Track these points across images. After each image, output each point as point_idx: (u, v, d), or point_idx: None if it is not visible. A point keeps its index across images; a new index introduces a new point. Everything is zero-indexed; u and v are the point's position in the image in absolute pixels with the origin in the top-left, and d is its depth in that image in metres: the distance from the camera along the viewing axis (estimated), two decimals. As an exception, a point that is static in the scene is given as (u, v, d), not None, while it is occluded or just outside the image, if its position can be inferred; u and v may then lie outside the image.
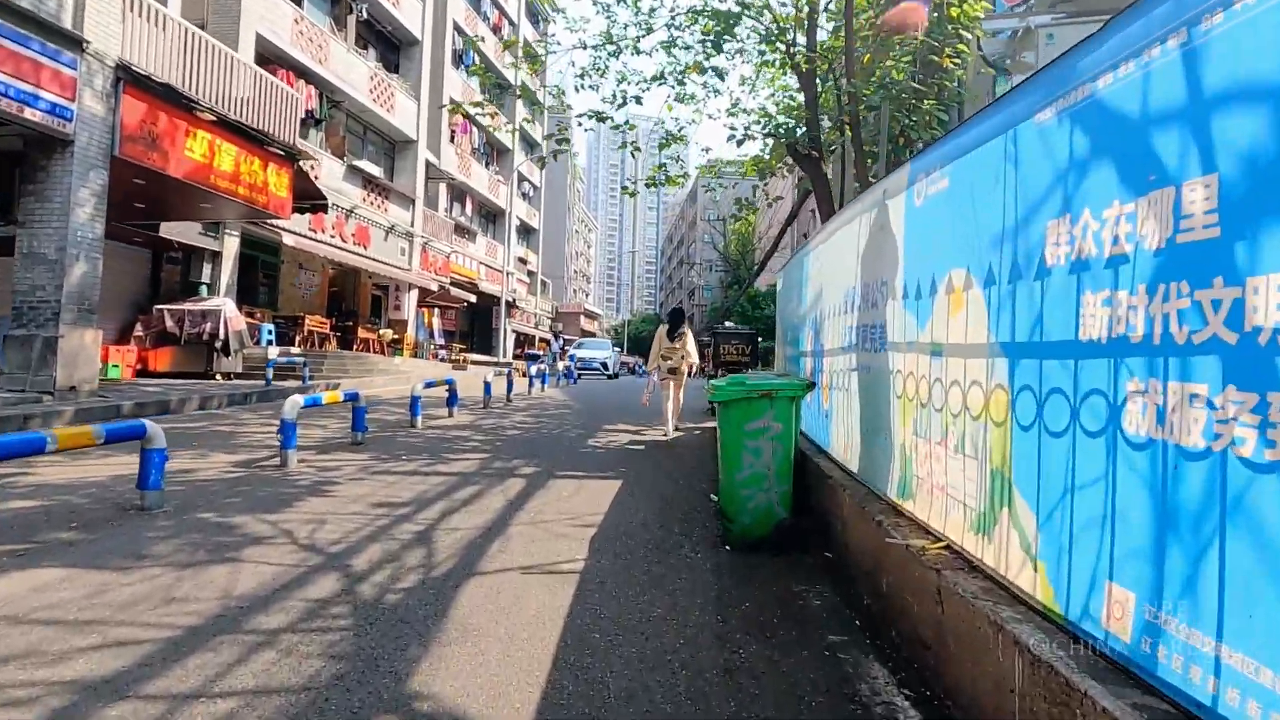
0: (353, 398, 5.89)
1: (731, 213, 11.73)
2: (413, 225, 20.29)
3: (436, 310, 25.00)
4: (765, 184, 10.93)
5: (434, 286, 19.34)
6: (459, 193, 28.55)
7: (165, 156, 8.31)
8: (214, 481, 4.50)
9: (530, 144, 43.09)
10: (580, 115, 9.22)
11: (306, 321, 15.62)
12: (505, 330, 32.55)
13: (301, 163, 10.81)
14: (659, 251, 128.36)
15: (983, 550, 2.11)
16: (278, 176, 10.16)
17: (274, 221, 13.80)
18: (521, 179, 40.63)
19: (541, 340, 46.47)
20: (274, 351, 13.92)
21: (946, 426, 2.41)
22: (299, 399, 5.02)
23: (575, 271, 78.84)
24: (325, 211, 12.72)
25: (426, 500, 4.23)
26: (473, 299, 22.77)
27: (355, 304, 20.38)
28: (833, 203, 7.84)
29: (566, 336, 52.21)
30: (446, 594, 2.73)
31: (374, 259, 18.22)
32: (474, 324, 32.75)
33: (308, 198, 11.46)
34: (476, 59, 22.52)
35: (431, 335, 24.54)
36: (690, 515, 4.19)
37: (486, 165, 31.59)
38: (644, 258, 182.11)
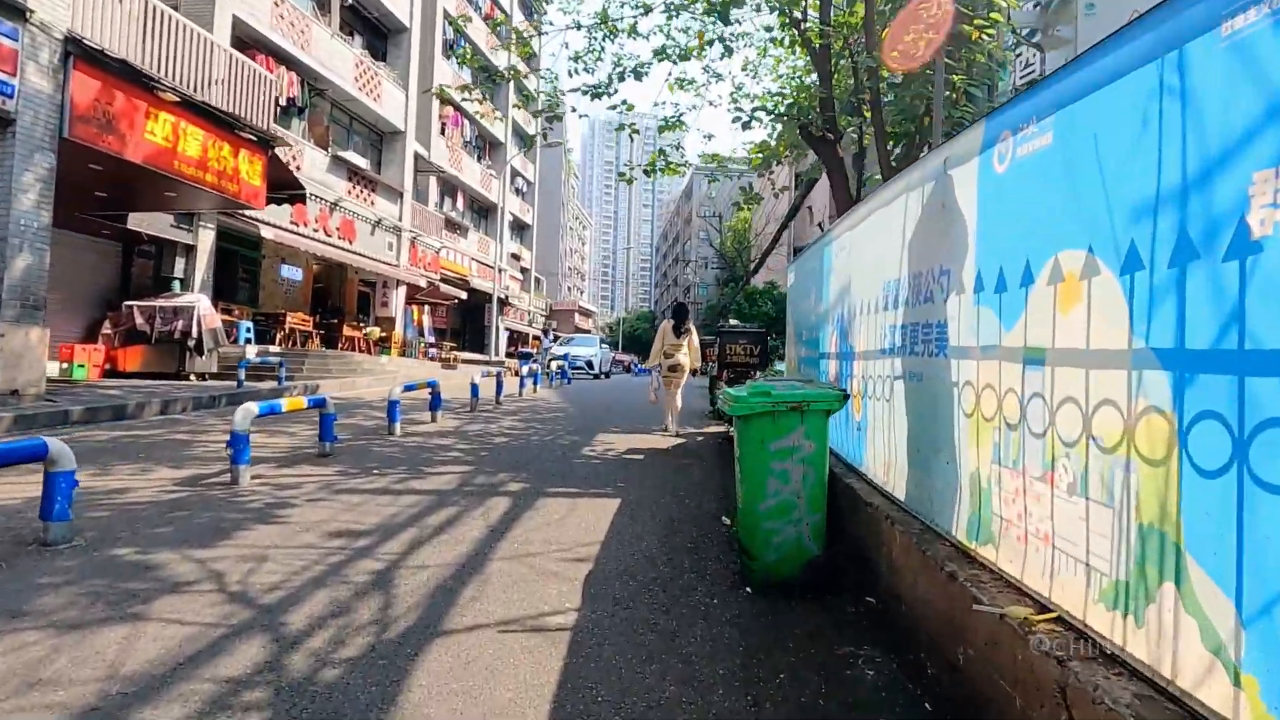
0: (319, 404, 5.28)
1: (734, 200, 10.89)
2: (401, 219, 19.62)
3: (426, 308, 24.33)
4: (771, 174, 10.34)
5: (423, 283, 18.70)
6: (450, 187, 27.87)
7: (122, 139, 7.65)
8: (147, 505, 3.89)
9: (523, 138, 42.36)
10: (574, 89, 8.59)
11: (288, 319, 14.95)
12: (498, 328, 31.90)
13: (277, 150, 10.15)
14: (654, 249, 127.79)
15: (1124, 635, 1.54)
16: (250, 164, 9.51)
17: (251, 214, 13.13)
18: (515, 174, 39.93)
19: (535, 338, 45.86)
20: (252, 351, 13.27)
21: (1053, 458, 1.84)
22: (253, 408, 4.41)
23: (570, 269, 78.20)
24: (304, 202, 12.05)
25: (394, 527, 3.63)
26: (463, 296, 22.13)
27: (341, 301, 19.70)
28: (849, 189, 7.28)
29: (561, 334, 51.62)
30: (400, 666, 2.13)
31: (360, 254, 17.55)
32: (466, 322, 32.09)
33: (285, 187, 10.80)
34: (466, 48, 21.81)
35: (421, 333, 23.87)
36: (701, 545, 3.61)
37: (479, 159, 30.90)
38: (639, 255, 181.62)
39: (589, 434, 7.62)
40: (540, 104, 10.76)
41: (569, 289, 73.82)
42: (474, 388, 9.34)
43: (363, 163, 17.73)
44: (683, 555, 3.41)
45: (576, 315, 52.07)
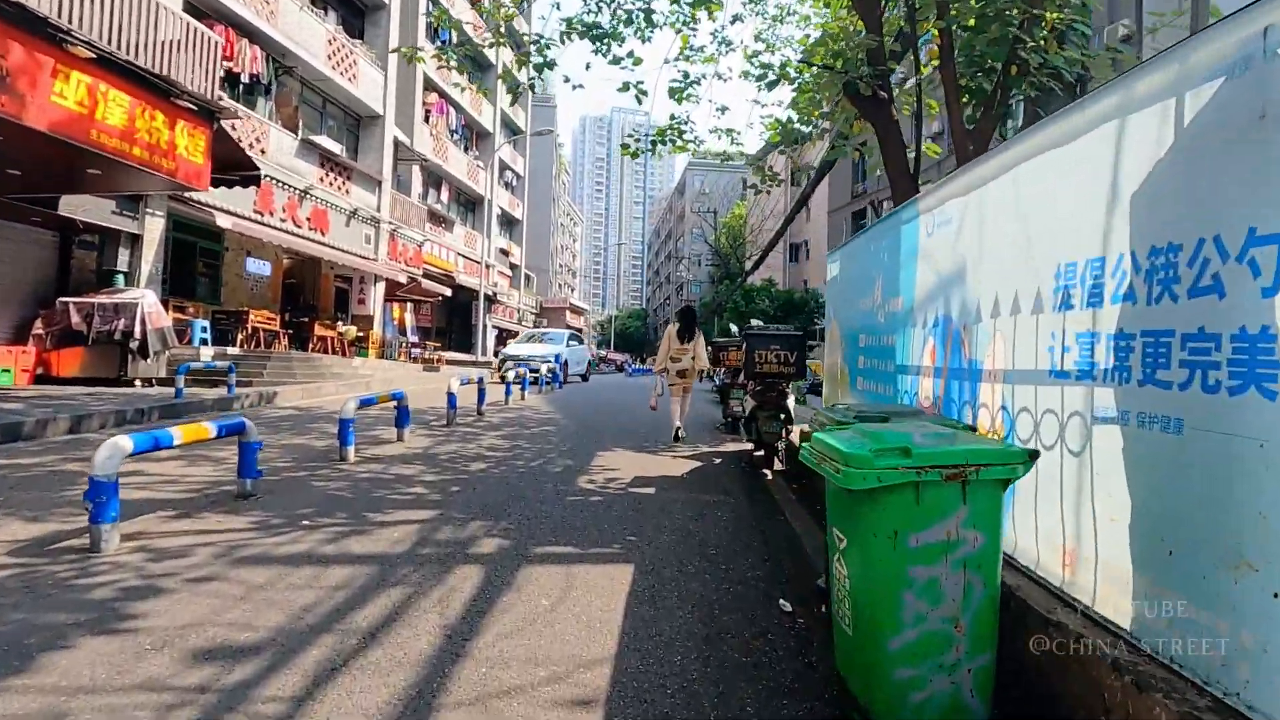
0: (235, 429, 4.03)
1: (750, 183, 9.62)
2: (379, 210, 18.27)
3: (409, 305, 22.99)
4: (793, 151, 9.18)
5: (403, 278, 17.38)
6: (434, 178, 26.50)
7: (20, 101, 6.33)
8: (-66, 595, 2.64)
9: (513, 130, 40.97)
10: (569, 26, 7.31)
11: (250, 317, 13.60)
12: (485, 326, 30.57)
13: (225, 123, 8.83)
14: (645, 245, 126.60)
15: None
16: (190, 138, 8.19)
17: (205, 200, 11.80)
18: (504, 167, 38.57)
19: (525, 336, 44.54)
20: (208, 353, 11.94)
21: None
22: (124, 444, 3.17)
23: (561, 266, 76.91)
24: (258, 184, 10.72)
25: (300, 636, 2.40)
26: (447, 293, 20.83)
27: (315, 298, 18.34)
28: (904, 158, 6.13)
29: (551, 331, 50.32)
30: None
31: (333, 247, 16.20)
32: (452, 320, 30.72)
33: (237, 167, 9.48)
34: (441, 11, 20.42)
35: (403, 333, 22.53)
36: (762, 660, 2.41)
37: (465, 150, 29.54)
38: (630, 252, 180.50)
39: (585, 455, 6.41)
40: (531, 117, 9.46)
41: (560, 286, 72.51)
42: (451, 398, 8.08)
43: (336, 148, 16.38)
44: (738, 682, 2.22)
45: (568, 313, 50.79)
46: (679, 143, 8.46)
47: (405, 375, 15.15)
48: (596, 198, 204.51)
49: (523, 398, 11.59)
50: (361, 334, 17.69)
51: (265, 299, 16.26)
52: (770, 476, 5.69)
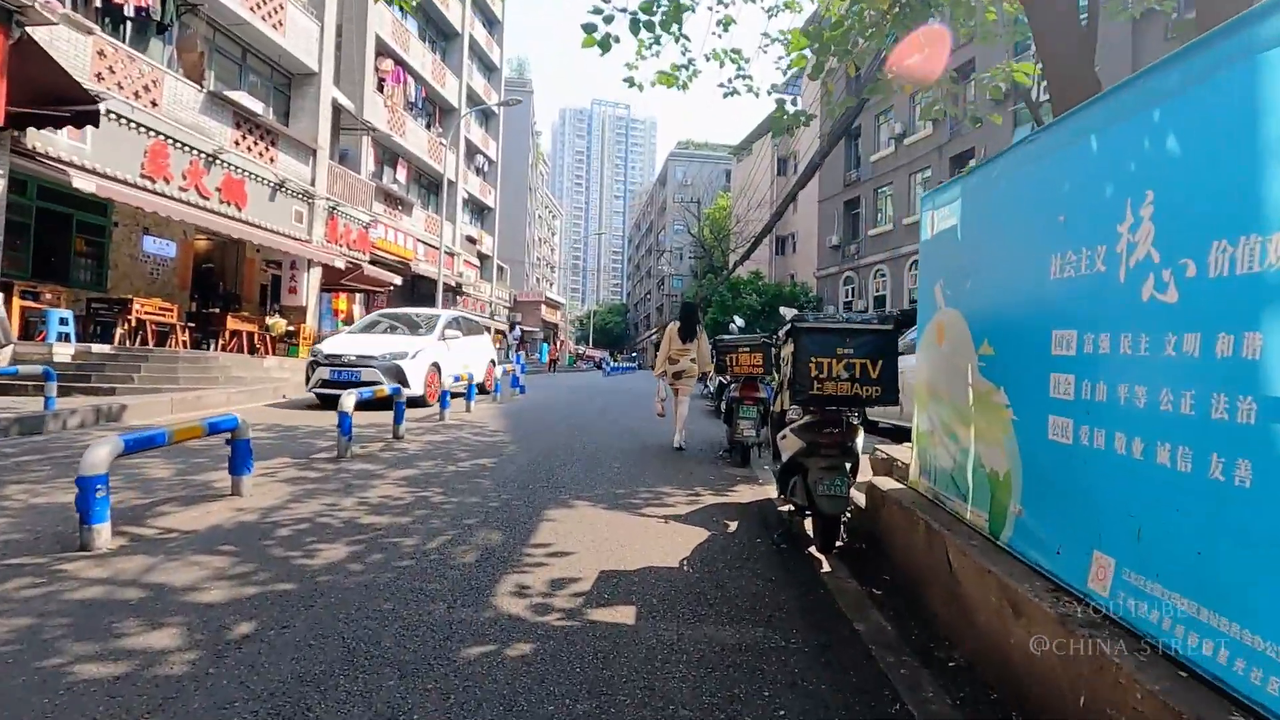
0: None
1: (779, 119, 7.17)
2: (313, 184, 15.63)
3: (359, 296, 20.36)
4: (793, 137, 6.88)
5: (339, 263, 14.78)
6: (390, 155, 23.80)
7: None
8: None
9: (485, 113, 38.26)
10: None
11: (136, 307, 10.97)
12: (450, 321, 27.94)
13: (30, 28, 6.26)
14: (625, 239, 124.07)
15: None
16: (-37, 42, 5.64)
17: (55, 154, 9.17)
18: (474, 150, 35.87)
19: (497, 332, 41.86)
20: (65, 350, 9.33)
21: None
22: None
23: (539, 259, 74.16)
24: (95, 124, 8.14)
25: None
26: (397, 281, 18.22)
27: (238, 286, 15.67)
28: (1075, 36, 3.93)
29: (526, 328, 47.61)
30: None
31: (252, 224, 13.56)
32: (413, 313, 28.04)
33: (62, 99, 6.92)
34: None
35: (348, 324, 19.88)
36: None
37: (428, 126, 26.84)
38: (611, 247, 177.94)
39: (526, 520, 4.06)
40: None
41: (537, 280, 69.77)
42: (344, 420, 5.62)
43: (257, 107, 13.73)
44: None
45: (543, 307, 48.23)
46: (686, 73, 6.20)
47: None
48: (576, 191, 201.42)
49: (468, 409, 9.20)
50: (292, 328, 15.08)
51: (170, 286, 13.59)
52: (826, 565, 3.42)
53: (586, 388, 16.92)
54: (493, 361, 12.20)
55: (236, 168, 13.22)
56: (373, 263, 19.13)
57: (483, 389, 11.34)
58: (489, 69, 39.44)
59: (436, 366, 9.75)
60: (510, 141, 55.59)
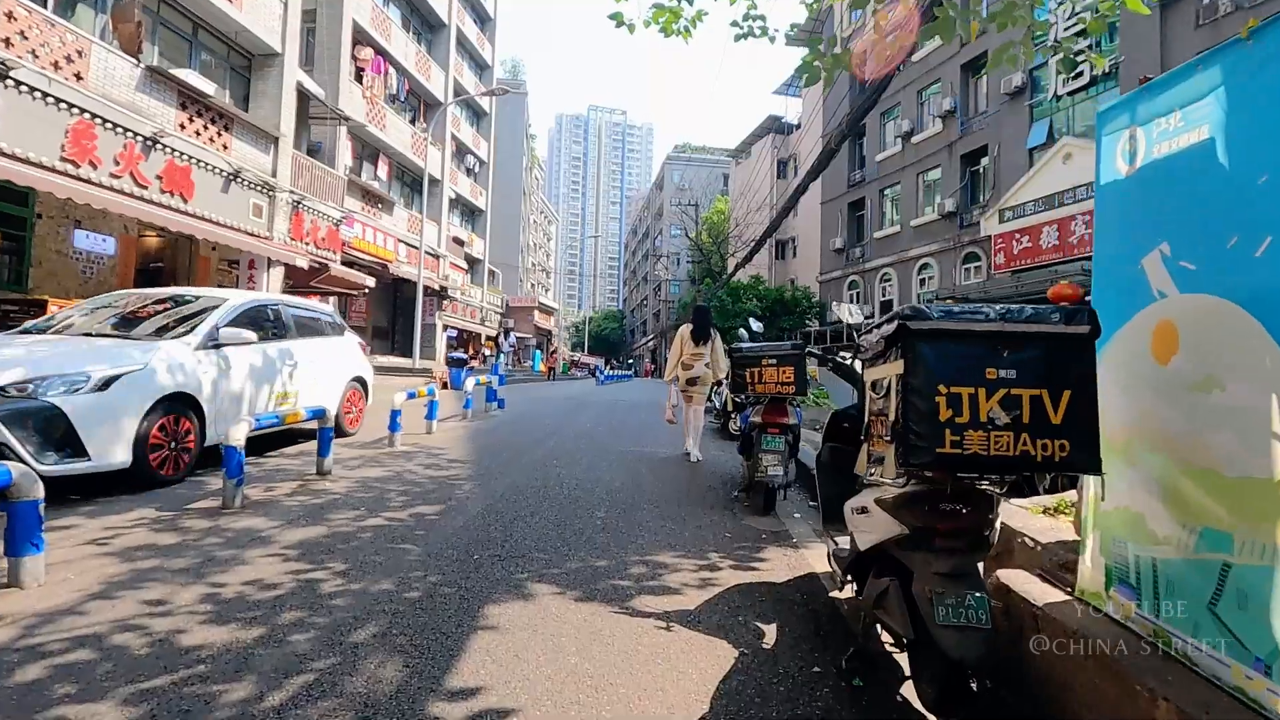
0: None
1: (807, 62, 5.71)
2: (275, 174, 14.18)
3: (331, 300, 18.86)
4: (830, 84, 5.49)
5: (301, 261, 13.31)
6: (370, 150, 22.40)
7: None
8: None
9: (474, 110, 36.96)
10: None
11: (51, 309, 9.46)
12: (436, 326, 26.49)
13: None
14: (622, 245, 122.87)
15: None
16: None
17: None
18: (464, 150, 34.54)
19: (488, 339, 40.37)
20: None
21: None
22: None
23: (533, 264, 72.86)
24: None
25: None
26: (370, 283, 16.73)
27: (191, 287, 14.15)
28: None
29: (519, 334, 46.12)
30: None
31: (200, 217, 12.09)
32: (396, 318, 26.56)
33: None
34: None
35: (324, 332, 18.39)
36: None
37: (412, 121, 25.47)
38: (607, 253, 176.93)
39: (451, 633, 2.60)
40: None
41: (533, 285, 68.43)
42: (232, 459, 4.15)
43: (207, 87, 12.29)
44: None
45: (536, 312, 46.81)
46: (681, 10, 4.82)
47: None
48: (573, 198, 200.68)
49: (429, 430, 7.71)
50: (249, 334, 13.57)
51: (108, 287, 12.07)
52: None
53: (576, 399, 15.43)
54: (360, 384, 7.33)
55: (181, 154, 11.76)
56: (347, 264, 17.69)
57: (339, 429, 6.59)
58: (480, 66, 38.16)
59: (183, 403, 4.73)
60: (504, 143, 54.36)
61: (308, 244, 15.35)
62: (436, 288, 23.89)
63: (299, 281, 16.22)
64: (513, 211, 55.22)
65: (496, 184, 51.56)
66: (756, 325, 8.06)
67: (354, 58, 20.64)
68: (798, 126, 43.83)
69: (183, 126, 11.95)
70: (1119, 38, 18.33)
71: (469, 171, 35.87)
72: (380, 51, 21.72)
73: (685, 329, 6.55)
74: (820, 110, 30.94)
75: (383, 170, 22.77)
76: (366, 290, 17.52)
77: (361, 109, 20.41)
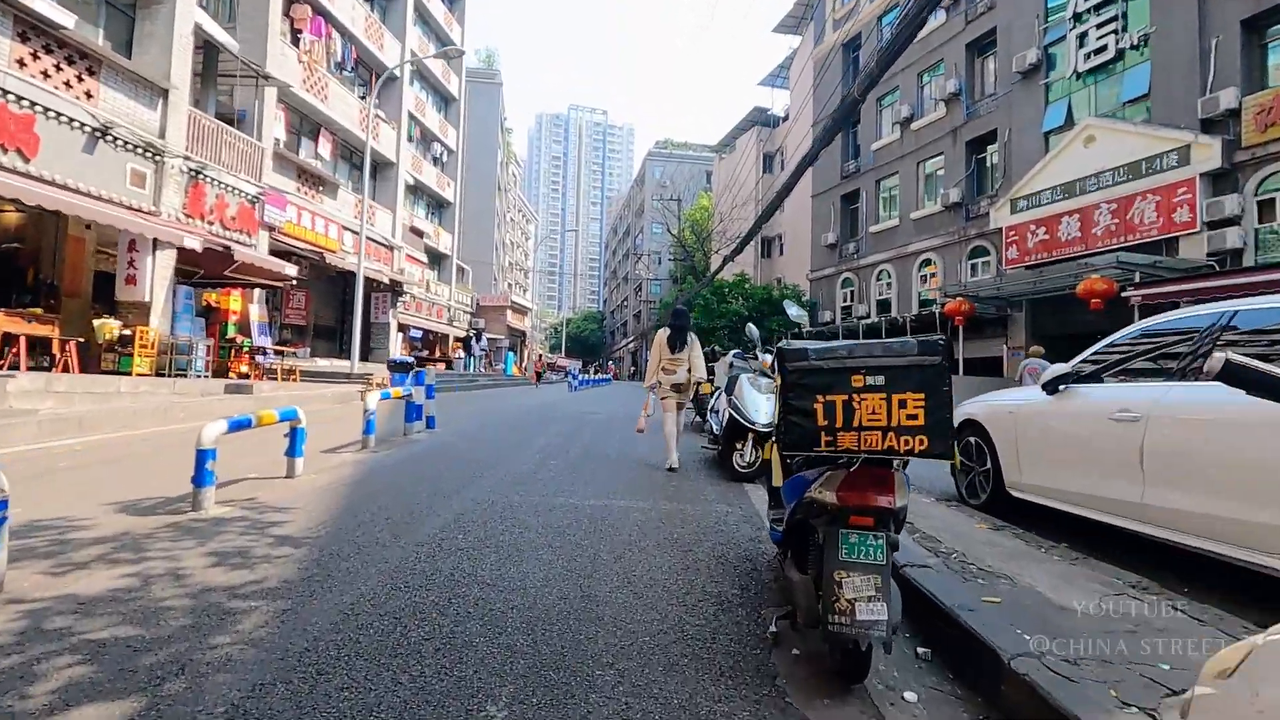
0: None
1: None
2: (163, 136, 11.51)
3: (256, 293, 16.17)
4: None
5: (193, 243, 10.64)
6: (310, 124, 19.69)
7: None
8: None
9: (444, 98, 34.30)
10: None
11: None
12: (390, 325, 23.79)
13: None
14: (603, 246, 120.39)
15: None
16: None
17: None
18: (430, 138, 31.86)
19: (457, 340, 37.64)
20: None
21: None
22: None
23: (510, 263, 70.10)
24: None
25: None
26: (291, 273, 14.04)
27: (57, 275, 11.45)
28: None
29: (490, 335, 43.41)
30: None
31: (47, 181, 9.42)
32: (345, 316, 23.76)
33: None
34: None
35: (246, 332, 15.74)
36: None
37: (363, 97, 22.79)
38: (588, 255, 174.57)
39: None
40: None
41: (510, 285, 65.63)
42: None
43: (62, 18, 9.61)
44: None
45: (509, 312, 44.15)
46: None
47: (173, 404, 8.48)
48: (553, 197, 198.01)
49: (293, 473, 5.21)
50: (128, 332, 10.92)
51: (-72, 270, 9.36)
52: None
53: (537, 412, 12.92)
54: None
55: (20, 98, 9.10)
56: (279, 253, 15.02)
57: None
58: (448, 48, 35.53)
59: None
60: (477, 135, 51.61)
61: (210, 223, 12.68)
62: (386, 281, 21.23)
63: (209, 271, 13.55)
64: (486, 207, 52.50)
65: (468, 178, 48.81)
66: (753, 330, 5.88)
67: (289, 15, 17.98)
68: (784, 119, 41.91)
69: (22, 64, 9.28)
70: (1149, 4, 16.44)
71: (436, 160, 33.20)
72: (320, 11, 19.08)
73: (663, 334, 6.39)
74: (810, 100, 28.88)
75: (325, 148, 20.08)
76: (294, 282, 14.87)
77: (297, 74, 17.74)
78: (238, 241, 13.16)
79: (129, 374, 10.47)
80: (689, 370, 6.26)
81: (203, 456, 3.96)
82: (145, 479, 4.92)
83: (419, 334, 34.18)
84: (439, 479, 5.40)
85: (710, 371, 9.58)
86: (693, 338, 6.40)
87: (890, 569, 2.13)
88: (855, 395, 1.92)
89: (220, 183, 12.95)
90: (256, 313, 16.10)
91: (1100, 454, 3.48)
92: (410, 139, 29.17)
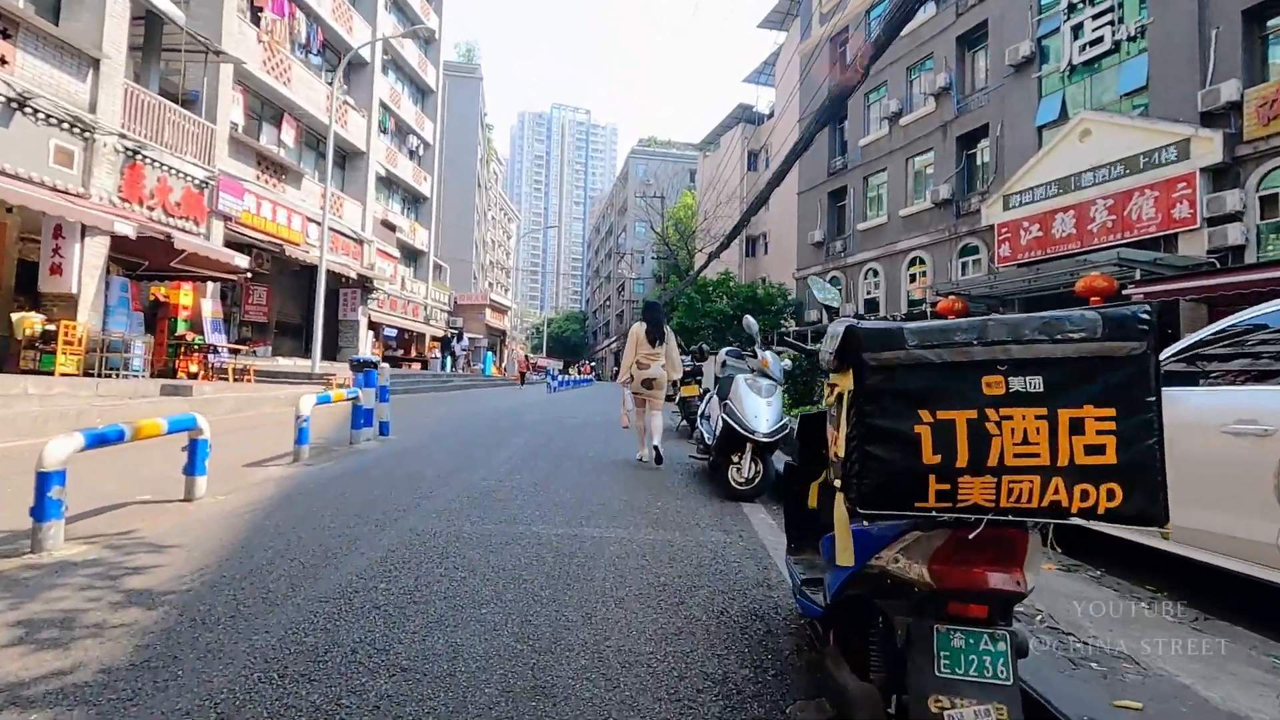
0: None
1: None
2: (93, 110, 10.40)
3: (210, 287, 15.02)
4: None
5: (126, 229, 9.53)
6: (272, 109, 18.55)
7: None
8: None
9: (421, 89, 33.13)
10: None
11: None
12: (360, 323, 22.66)
13: None
14: (585, 245, 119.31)
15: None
16: None
17: None
18: (405, 129, 30.70)
19: (434, 340, 36.44)
20: None
21: None
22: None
23: (491, 262, 68.83)
24: None
25: None
26: (241, 263, 12.90)
27: (-28, 262, 10.26)
28: None
29: (470, 335, 42.22)
30: None
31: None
32: (311, 313, 22.60)
33: None
34: None
35: (197, 328, 14.60)
36: None
37: (330, 83, 21.65)
38: (571, 254, 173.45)
39: None
40: None
41: (490, 284, 64.36)
42: None
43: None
44: None
45: (488, 311, 43.03)
46: None
47: (32, 418, 7.41)
48: (536, 197, 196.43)
49: (191, 495, 4.29)
50: (52, 327, 9.80)
51: None
52: None
53: (509, 415, 11.98)
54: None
55: (-85, 60, 8.00)
56: (235, 245, 13.90)
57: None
58: (425, 41, 34.43)
59: None
60: (456, 130, 50.36)
61: (150, 208, 11.56)
62: (354, 276, 20.11)
63: (154, 263, 12.44)
64: (465, 203, 51.29)
65: (447, 174, 47.53)
66: (751, 322, 4.93)
67: (248, -8, 16.83)
68: (769, 115, 41.34)
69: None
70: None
71: (412, 154, 32.06)
72: (280, -15, 17.91)
73: (639, 328, 6.29)
74: (796, 95, 28.24)
75: (289, 135, 18.91)
76: (248, 275, 13.76)
77: (256, 54, 16.60)
78: (183, 230, 12.04)
79: (51, 373, 9.37)
80: (664, 366, 6.16)
81: (45, 482, 3.02)
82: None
83: (394, 333, 32.95)
84: (376, 501, 4.49)
85: (698, 371, 8.75)
86: (669, 331, 6.34)
87: (1019, 693, 1.30)
88: (991, 410, 1.08)
89: (162, 165, 11.84)
90: (209, 308, 14.95)
91: (1217, 479, 2.68)
92: (384, 130, 28.02)
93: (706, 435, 5.69)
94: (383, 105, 26.70)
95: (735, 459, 4.83)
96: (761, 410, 4.70)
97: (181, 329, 14.49)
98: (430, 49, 34.54)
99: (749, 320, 4.85)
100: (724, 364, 5.82)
